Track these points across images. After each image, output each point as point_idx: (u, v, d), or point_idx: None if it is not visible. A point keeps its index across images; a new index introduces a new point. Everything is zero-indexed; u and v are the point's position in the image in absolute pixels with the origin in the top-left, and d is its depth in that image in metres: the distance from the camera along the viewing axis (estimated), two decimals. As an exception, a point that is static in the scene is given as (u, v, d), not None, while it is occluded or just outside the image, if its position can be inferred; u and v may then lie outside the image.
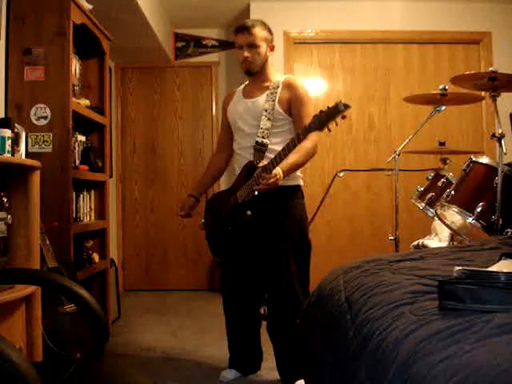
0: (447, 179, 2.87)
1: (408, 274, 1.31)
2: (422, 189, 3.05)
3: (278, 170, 2.07)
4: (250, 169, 2.27)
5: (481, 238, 2.22)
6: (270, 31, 2.36)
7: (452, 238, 3.02)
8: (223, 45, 4.85)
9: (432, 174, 3.04)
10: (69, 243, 2.55)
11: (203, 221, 2.55)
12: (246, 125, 2.35)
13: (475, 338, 0.81)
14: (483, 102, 3.78)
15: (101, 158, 3.13)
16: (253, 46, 2.28)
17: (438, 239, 3.08)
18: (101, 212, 3.21)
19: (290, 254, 2.29)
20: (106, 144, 3.23)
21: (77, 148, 2.90)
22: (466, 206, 2.41)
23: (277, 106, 2.28)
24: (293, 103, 2.29)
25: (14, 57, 2.59)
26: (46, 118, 2.58)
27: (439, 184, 2.90)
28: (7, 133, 1.91)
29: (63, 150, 2.58)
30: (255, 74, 2.36)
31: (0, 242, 1.80)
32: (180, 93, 4.87)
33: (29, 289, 1.80)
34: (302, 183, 2.39)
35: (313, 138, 2.16)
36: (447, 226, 2.73)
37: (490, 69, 2.45)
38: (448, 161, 3.07)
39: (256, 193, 2.16)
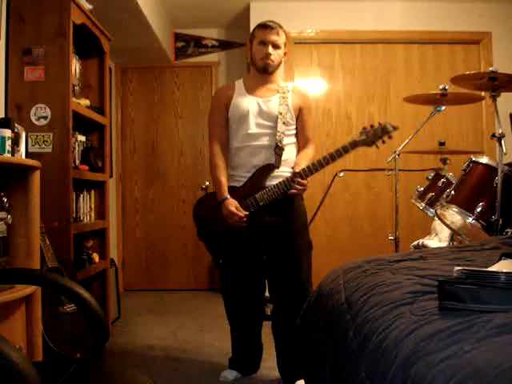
0: (447, 179, 2.87)
1: (408, 274, 1.31)
2: (422, 189, 3.05)
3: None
4: (268, 171, 2.29)
5: (481, 238, 2.22)
6: (287, 37, 2.39)
7: (452, 238, 3.02)
8: (223, 45, 4.85)
9: (432, 174, 3.04)
10: (69, 243, 2.55)
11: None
12: (257, 125, 2.32)
13: (475, 338, 0.81)
14: (483, 101, 3.78)
15: (101, 158, 3.13)
16: (277, 47, 2.32)
17: (438, 239, 3.08)
18: (101, 212, 3.21)
19: (302, 254, 2.34)
20: (106, 144, 3.23)
21: (77, 148, 2.90)
22: (466, 206, 2.41)
23: (290, 111, 2.34)
24: (302, 111, 2.39)
25: (14, 57, 2.59)
26: (45, 118, 2.58)
27: (439, 184, 2.90)
28: (7, 133, 1.91)
29: (63, 150, 2.58)
30: (269, 74, 2.36)
31: (0, 242, 1.80)
32: (180, 93, 4.87)
33: (29, 289, 1.80)
34: None
35: (314, 147, 2.43)
36: (447, 225, 2.73)
37: (490, 69, 2.45)
38: (448, 161, 3.07)
39: (279, 196, 2.24)
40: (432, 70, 4.26)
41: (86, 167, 2.92)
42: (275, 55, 2.31)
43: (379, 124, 2.22)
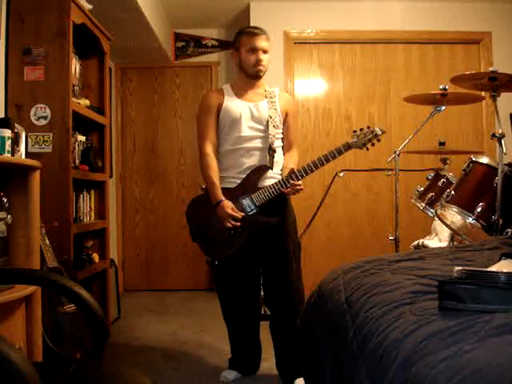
0: (447, 179, 2.87)
1: (408, 274, 1.31)
2: (422, 189, 3.05)
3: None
4: (262, 172, 2.32)
5: (481, 238, 2.22)
6: None
7: (452, 238, 3.02)
8: (223, 45, 4.85)
9: (432, 174, 3.04)
10: (69, 243, 2.55)
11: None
12: (250, 128, 2.35)
13: (475, 338, 0.81)
14: (483, 102, 3.78)
15: (101, 158, 3.13)
16: (266, 52, 2.36)
17: (438, 239, 3.08)
18: (101, 212, 3.21)
19: (291, 254, 2.35)
20: (106, 144, 3.23)
21: (77, 148, 2.90)
22: (466, 206, 2.41)
23: (279, 115, 2.38)
24: (288, 116, 2.44)
25: (14, 57, 2.59)
26: (45, 118, 2.58)
27: (439, 184, 2.90)
28: (7, 133, 1.91)
29: (63, 150, 2.58)
30: (259, 79, 2.40)
31: (0, 242, 1.80)
32: (180, 93, 4.87)
33: (29, 289, 1.80)
34: None
35: (298, 150, 2.53)
36: (447, 226, 2.73)
37: (490, 69, 2.45)
38: (448, 161, 3.07)
39: (272, 196, 2.27)
40: (432, 70, 4.26)
41: (86, 167, 2.92)
42: (265, 61, 2.35)
43: (368, 128, 2.32)
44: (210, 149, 2.38)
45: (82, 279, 2.70)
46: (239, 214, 2.25)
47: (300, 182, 2.26)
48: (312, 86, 4.30)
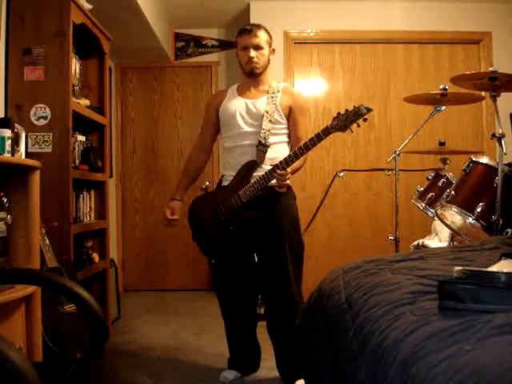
0: (447, 179, 2.87)
1: (408, 274, 1.31)
2: (422, 189, 3.05)
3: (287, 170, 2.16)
4: (251, 168, 2.28)
5: (481, 238, 2.22)
6: (270, 35, 2.40)
7: (452, 238, 3.02)
8: (223, 45, 4.85)
9: (432, 174, 3.04)
10: (69, 243, 2.55)
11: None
12: (246, 124, 2.35)
13: (475, 338, 0.81)
14: (483, 102, 3.78)
15: (101, 158, 3.13)
16: (258, 48, 2.33)
17: (438, 239, 3.08)
18: (101, 212, 3.21)
19: (288, 254, 2.31)
20: (105, 144, 3.23)
21: (77, 148, 2.90)
22: (466, 206, 2.41)
23: (278, 110, 2.33)
24: (293, 110, 2.37)
25: (14, 57, 2.59)
26: (45, 118, 2.58)
27: (439, 184, 2.90)
28: (7, 133, 1.91)
29: (63, 150, 2.58)
30: (257, 76, 2.38)
31: (0, 242, 1.80)
32: (180, 93, 4.87)
33: (29, 289, 1.80)
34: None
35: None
36: (447, 226, 2.73)
37: (490, 69, 2.45)
38: (448, 161, 3.07)
39: (260, 192, 2.21)
40: (432, 70, 4.26)
41: (86, 167, 2.92)
42: (258, 57, 2.33)
43: (353, 107, 2.12)
44: (194, 151, 2.62)
45: (82, 279, 2.70)
46: (175, 216, 2.50)
47: (283, 172, 2.14)
48: (312, 85, 4.30)
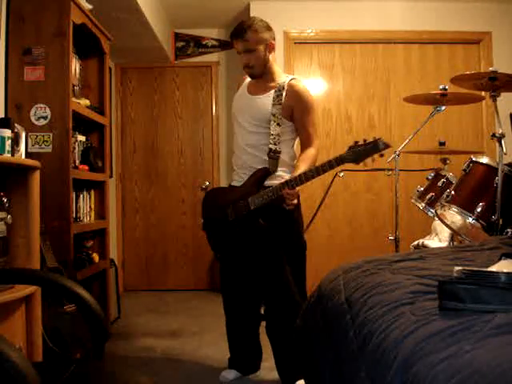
0: (447, 179, 2.87)
1: (408, 274, 1.31)
2: (422, 189, 3.05)
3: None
4: (263, 176, 2.25)
5: (481, 238, 2.22)
6: (267, 30, 2.28)
7: (452, 238, 3.02)
8: (223, 45, 4.85)
9: (432, 174, 3.04)
10: (69, 243, 2.55)
11: (203, 221, 2.54)
12: (245, 121, 2.33)
13: (475, 338, 0.81)
14: (483, 102, 3.78)
15: (101, 158, 3.13)
16: (249, 51, 2.25)
17: (438, 239, 3.08)
18: (101, 212, 3.21)
19: (286, 255, 2.30)
20: (105, 144, 3.23)
21: (77, 148, 2.90)
22: (466, 206, 2.41)
23: (283, 111, 2.26)
24: (296, 111, 2.27)
25: (14, 57, 2.59)
26: (45, 118, 2.58)
27: (439, 184, 2.90)
28: (7, 133, 1.91)
29: (63, 150, 2.58)
30: (259, 77, 2.32)
31: (0, 242, 1.80)
32: (180, 93, 4.87)
33: (29, 289, 1.80)
34: None
35: (317, 145, 2.30)
36: (447, 226, 2.73)
37: (490, 69, 2.45)
38: (448, 161, 3.07)
39: (269, 202, 2.17)
40: (432, 70, 4.26)
41: (86, 167, 2.92)
42: (252, 60, 2.26)
43: (373, 140, 1.99)
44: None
45: (82, 279, 2.70)
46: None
47: (292, 192, 2.09)
48: (312, 85, 4.29)
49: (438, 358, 0.79)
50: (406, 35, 4.23)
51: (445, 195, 2.55)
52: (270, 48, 2.30)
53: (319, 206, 3.53)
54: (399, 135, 4.11)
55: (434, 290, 1.06)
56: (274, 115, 2.24)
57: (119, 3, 3.26)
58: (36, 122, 2.58)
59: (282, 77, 2.35)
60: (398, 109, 4.22)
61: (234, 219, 2.30)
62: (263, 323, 2.52)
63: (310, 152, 2.27)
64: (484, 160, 2.47)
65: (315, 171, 2.08)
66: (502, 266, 1.15)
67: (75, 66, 2.88)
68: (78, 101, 2.83)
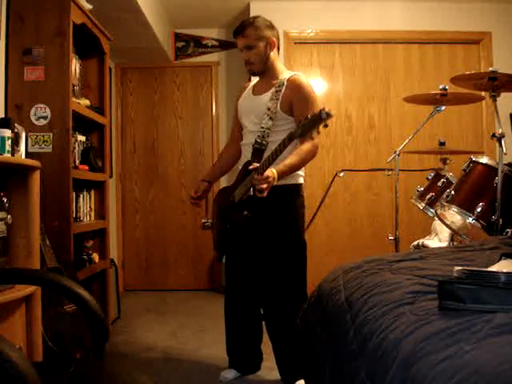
0: (447, 179, 2.87)
1: (408, 274, 1.31)
2: (422, 189, 3.05)
3: (272, 172, 2.04)
4: (245, 168, 2.28)
5: (481, 238, 2.22)
6: (268, 28, 2.31)
7: (452, 238, 3.02)
8: (223, 45, 4.85)
9: (432, 174, 3.04)
10: (69, 243, 2.55)
11: (204, 221, 2.55)
12: (249, 122, 2.36)
13: (475, 338, 0.81)
14: (483, 102, 3.78)
15: (101, 158, 3.13)
16: (249, 48, 2.29)
17: (438, 239, 3.08)
18: (101, 212, 3.21)
19: (283, 254, 2.29)
20: (106, 144, 3.22)
21: (77, 148, 2.90)
22: (466, 206, 2.41)
23: (279, 106, 2.25)
24: (295, 105, 2.25)
25: (14, 57, 2.59)
26: (45, 117, 2.58)
27: (439, 184, 2.90)
28: (7, 133, 1.91)
29: (63, 150, 2.58)
30: (261, 73, 2.35)
31: (0, 242, 1.80)
32: (180, 93, 4.87)
33: (29, 289, 1.80)
34: (302, 181, 2.36)
35: (314, 140, 2.10)
36: (447, 226, 2.73)
37: (490, 69, 2.45)
38: (448, 161, 3.07)
39: (251, 193, 2.14)
40: (432, 70, 4.26)
41: (86, 167, 2.92)
42: (252, 56, 2.29)
43: (314, 114, 1.89)
44: (228, 140, 2.69)
45: (82, 279, 2.70)
46: (197, 194, 2.49)
47: (260, 177, 2.00)
48: (312, 86, 4.29)
49: (437, 358, 0.79)
50: (406, 35, 4.23)
51: (445, 195, 2.55)
52: (272, 45, 2.31)
53: (319, 205, 3.54)
54: (399, 135, 4.11)
55: (433, 290, 1.06)
56: (268, 109, 2.24)
57: (119, 3, 3.26)
58: (36, 122, 2.58)
59: (284, 74, 2.35)
60: (397, 109, 4.22)
61: (224, 215, 2.38)
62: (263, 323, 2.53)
63: (305, 146, 2.17)
64: (484, 160, 2.47)
65: (274, 153, 2.04)
66: (502, 266, 1.15)
67: (75, 65, 2.88)
68: (78, 101, 2.83)
